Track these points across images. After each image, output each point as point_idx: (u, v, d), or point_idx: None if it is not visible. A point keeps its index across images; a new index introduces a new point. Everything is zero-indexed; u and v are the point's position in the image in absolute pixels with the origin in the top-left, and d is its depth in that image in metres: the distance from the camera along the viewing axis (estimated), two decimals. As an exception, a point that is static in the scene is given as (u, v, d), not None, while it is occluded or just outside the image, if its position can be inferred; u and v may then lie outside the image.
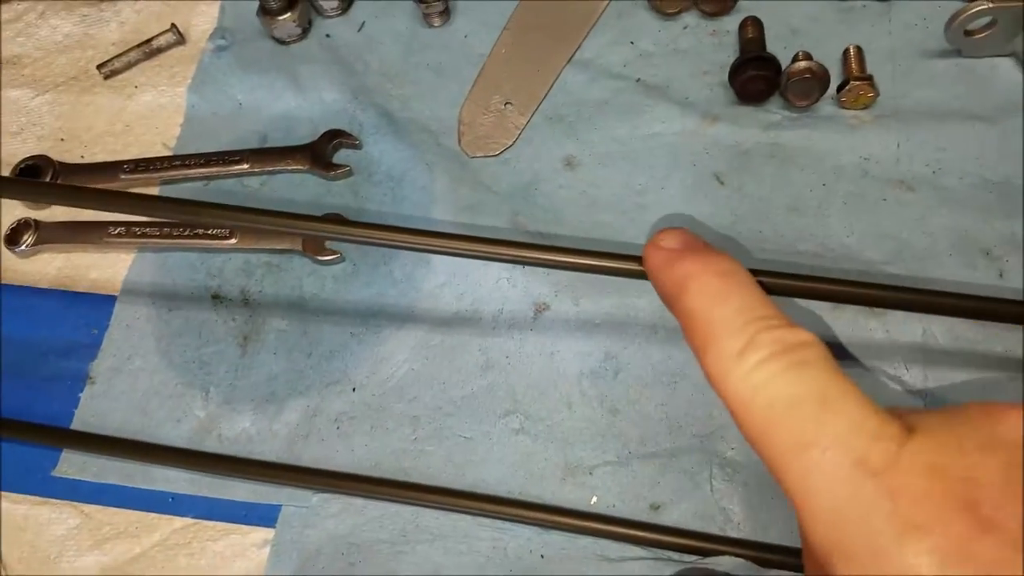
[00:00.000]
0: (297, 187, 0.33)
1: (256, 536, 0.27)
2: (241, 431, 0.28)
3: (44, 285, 0.32)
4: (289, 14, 0.35)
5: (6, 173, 0.34)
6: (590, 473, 0.27)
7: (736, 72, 0.31)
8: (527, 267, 0.29)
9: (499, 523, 0.27)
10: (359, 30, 0.36)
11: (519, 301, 0.30)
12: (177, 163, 0.33)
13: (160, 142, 0.34)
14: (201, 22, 0.37)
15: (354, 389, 0.29)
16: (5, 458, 0.28)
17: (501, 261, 0.26)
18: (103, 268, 0.32)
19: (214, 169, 0.33)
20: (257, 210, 0.25)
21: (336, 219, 0.28)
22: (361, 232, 0.24)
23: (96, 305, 0.31)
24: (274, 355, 0.29)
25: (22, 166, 0.33)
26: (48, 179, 0.33)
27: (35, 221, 0.32)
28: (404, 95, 0.34)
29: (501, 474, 0.27)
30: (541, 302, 0.30)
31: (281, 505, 0.27)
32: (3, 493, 0.28)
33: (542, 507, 0.27)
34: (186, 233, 0.31)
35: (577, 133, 0.32)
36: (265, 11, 0.35)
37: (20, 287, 0.32)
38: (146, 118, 0.34)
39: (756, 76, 0.30)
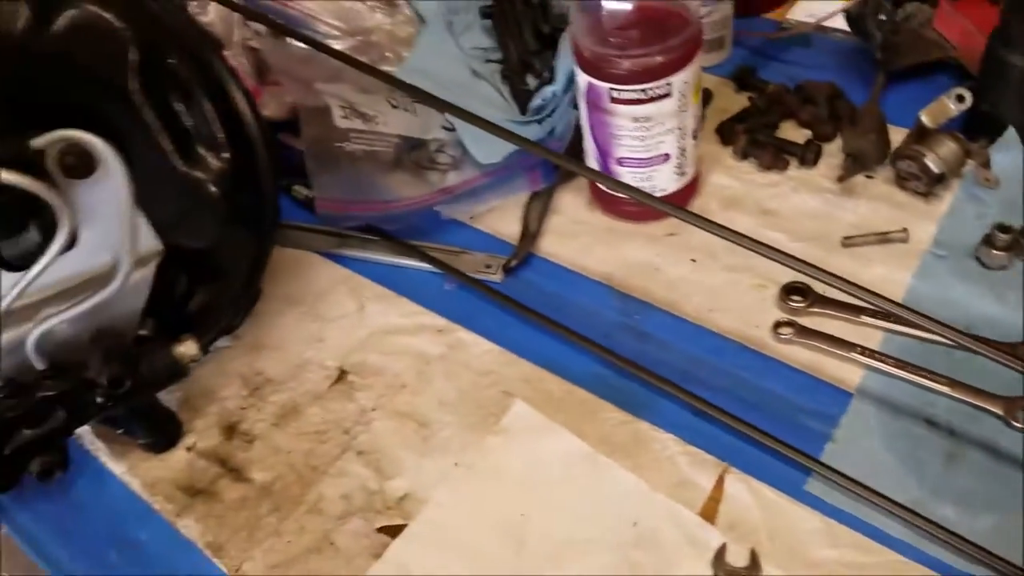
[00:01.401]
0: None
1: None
2: (943, 517, 0.44)
3: (794, 366, 0.52)
4: (1005, 253, 0.54)
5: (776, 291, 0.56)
6: None
7: None
8: None
9: None
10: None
11: None
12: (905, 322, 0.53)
13: (886, 302, 0.55)
14: (918, 230, 0.58)
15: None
16: (765, 464, 0.48)
17: None
18: (841, 370, 0.51)
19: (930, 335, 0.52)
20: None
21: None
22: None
23: (835, 393, 0.50)
24: (971, 476, 0.46)
25: (788, 286, 0.55)
26: (808, 302, 0.54)
27: (796, 322, 0.54)
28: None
29: None
30: None
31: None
32: (764, 485, 0.47)
33: None
34: (911, 370, 0.50)
35: None
36: (988, 243, 0.55)
37: (778, 362, 0.52)
38: (875, 285, 0.55)
39: None
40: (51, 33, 0.45)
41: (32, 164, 0.38)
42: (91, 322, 0.48)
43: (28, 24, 0.45)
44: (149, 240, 0.48)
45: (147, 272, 0.48)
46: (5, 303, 0.41)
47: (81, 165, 0.44)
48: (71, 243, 0.46)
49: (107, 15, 0.46)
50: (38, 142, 0.39)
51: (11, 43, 0.45)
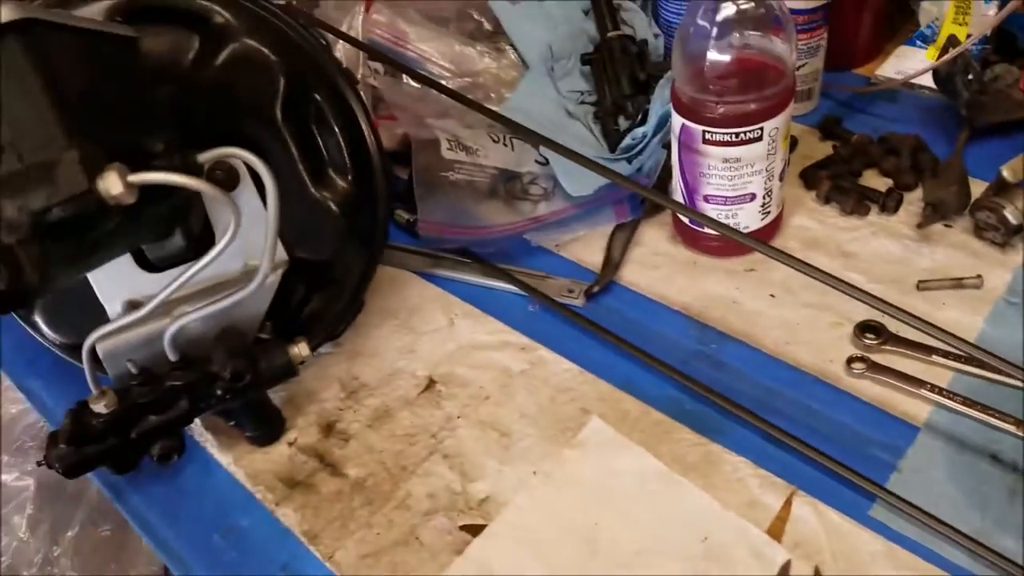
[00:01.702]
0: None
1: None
2: (1004, 548, 0.47)
3: (865, 399, 0.56)
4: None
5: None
6: None
7: None
8: None
9: None
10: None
11: None
12: (975, 363, 0.56)
13: (959, 345, 0.58)
14: (993, 277, 0.62)
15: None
16: (832, 489, 0.52)
17: None
18: (910, 406, 0.55)
19: (999, 376, 0.55)
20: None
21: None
22: None
23: (903, 427, 0.54)
24: None
25: (863, 324, 0.60)
26: (881, 340, 0.59)
27: (870, 358, 0.58)
28: None
29: None
30: None
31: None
32: (830, 508, 0.51)
33: None
34: (978, 408, 0.54)
35: None
36: (1062, 294, 0.58)
37: (850, 395, 0.57)
38: (947, 327, 0.57)
39: None
40: (215, 65, 0.54)
41: (195, 176, 0.46)
42: (219, 321, 0.56)
43: (196, 56, 0.53)
44: (279, 251, 0.56)
45: (274, 280, 0.56)
46: (166, 293, 0.49)
47: (228, 179, 0.52)
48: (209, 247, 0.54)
49: (264, 49, 0.54)
50: (204, 157, 0.47)
51: (180, 72, 0.53)
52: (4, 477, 1.23)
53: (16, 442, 1.24)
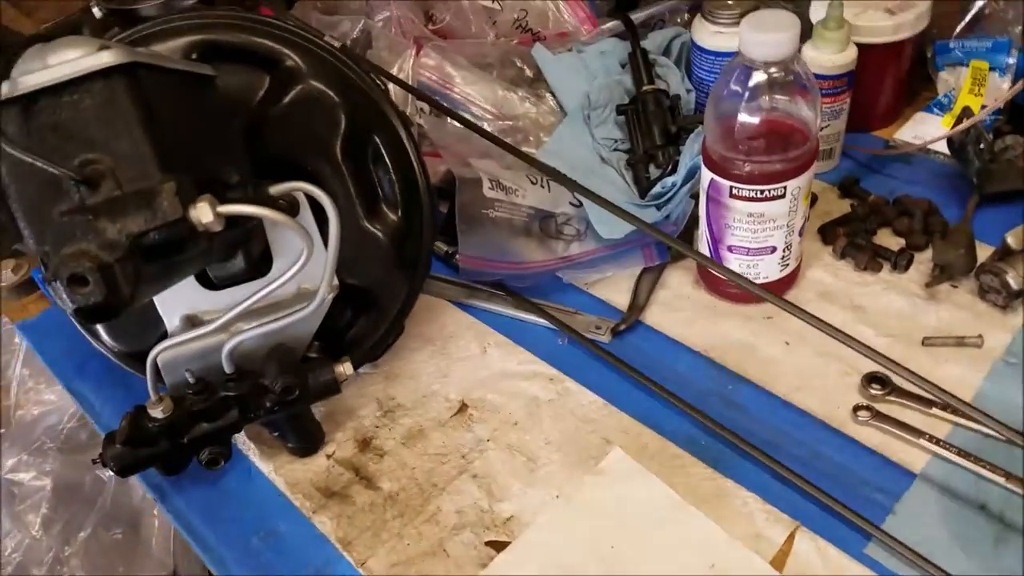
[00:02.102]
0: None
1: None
2: (988, 594, 0.53)
3: (867, 445, 0.61)
4: (1070, 365, 0.63)
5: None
6: None
7: None
8: None
9: None
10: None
11: None
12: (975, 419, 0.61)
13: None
14: (993, 339, 0.66)
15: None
16: (832, 526, 0.57)
17: None
18: (908, 454, 0.60)
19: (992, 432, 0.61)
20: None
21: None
22: None
23: (900, 473, 0.59)
24: (1015, 559, 0.53)
25: (870, 375, 0.65)
26: (886, 391, 0.63)
27: (874, 407, 0.63)
28: None
29: None
30: None
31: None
32: (829, 544, 0.55)
33: None
34: (972, 460, 0.58)
35: None
36: (1057, 357, 0.64)
37: (853, 440, 0.62)
38: (948, 382, 0.61)
39: None
40: (282, 104, 0.60)
41: (271, 207, 0.52)
42: (273, 339, 0.62)
43: (265, 95, 0.60)
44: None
45: (326, 302, 0.62)
46: (238, 311, 0.55)
47: (291, 209, 0.59)
48: (264, 269, 0.60)
49: (329, 91, 0.61)
50: (276, 189, 0.53)
51: (249, 108, 0.60)
52: (22, 476, 1.28)
53: (36, 442, 1.28)
